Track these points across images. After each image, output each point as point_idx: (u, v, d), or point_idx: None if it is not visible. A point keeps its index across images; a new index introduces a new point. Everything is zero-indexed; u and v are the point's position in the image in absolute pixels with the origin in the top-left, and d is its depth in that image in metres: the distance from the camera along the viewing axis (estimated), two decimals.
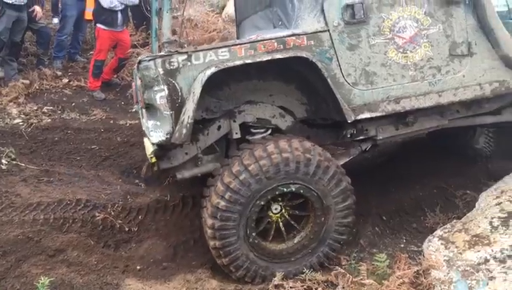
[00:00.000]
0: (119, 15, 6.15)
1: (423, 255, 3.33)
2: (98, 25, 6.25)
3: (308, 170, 3.04)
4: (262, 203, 3.07)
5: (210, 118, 3.32)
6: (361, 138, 3.48)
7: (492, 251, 3.08)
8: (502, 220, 3.34)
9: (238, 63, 2.93)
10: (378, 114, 3.25)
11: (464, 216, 3.62)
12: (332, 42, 3.13)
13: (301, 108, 3.45)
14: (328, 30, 3.13)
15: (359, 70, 3.20)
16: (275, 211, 3.20)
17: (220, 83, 3.20)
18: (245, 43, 3.03)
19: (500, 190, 3.69)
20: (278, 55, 2.96)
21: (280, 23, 3.27)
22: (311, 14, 3.12)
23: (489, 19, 3.30)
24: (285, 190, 3.07)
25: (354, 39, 3.17)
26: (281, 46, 3.04)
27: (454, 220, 3.62)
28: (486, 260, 3.03)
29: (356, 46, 3.18)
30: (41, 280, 2.92)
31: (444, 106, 3.43)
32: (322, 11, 3.12)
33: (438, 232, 3.47)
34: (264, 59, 2.94)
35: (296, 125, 3.42)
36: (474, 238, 3.25)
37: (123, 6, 6.18)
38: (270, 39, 3.04)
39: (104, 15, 6.11)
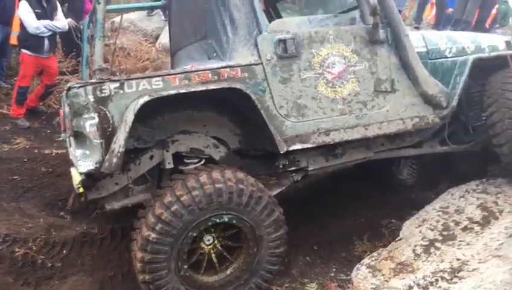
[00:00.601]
0: (46, 41, 5.97)
1: (352, 284, 3.40)
2: (23, 50, 6.01)
3: (241, 201, 3.04)
4: (194, 234, 3.02)
5: (142, 147, 3.25)
6: (293, 168, 3.56)
7: (415, 277, 3.19)
8: (424, 247, 3.49)
9: (172, 92, 2.92)
10: (309, 145, 3.34)
11: (390, 244, 3.75)
12: (265, 75, 3.21)
13: (234, 139, 3.48)
14: (262, 63, 3.21)
15: (291, 103, 3.29)
16: (207, 243, 3.16)
17: (153, 112, 3.17)
18: (179, 73, 3.03)
19: (421, 219, 3.86)
20: (212, 86, 2.99)
21: (215, 54, 3.32)
22: (245, 47, 3.20)
23: (410, 59, 3.54)
24: (218, 220, 3.05)
25: (286, 73, 3.27)
26: (216, 77, 3.08)
27: (381, 249, 3.74)
28: (410, 287, 3.14)
29: (288, 79, 3.28)
30: None
31: (370, 139, 3.59)
32: (256, 44, 3.21)
33: (366, 260, 3.57)
34: (198, 89, 2.95)
35: (229, 155, 3.43)
36: (399, 266, 3.37)
37: (50, 32, 6.00)
38: (204, 70, 3.07)
39: (29, 40, 5.90)
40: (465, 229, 3.56)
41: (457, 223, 3.64)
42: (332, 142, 3.42)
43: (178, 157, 3.33)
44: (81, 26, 4.72)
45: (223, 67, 3.11)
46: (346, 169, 4.13)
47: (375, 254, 3.64)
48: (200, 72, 3.05)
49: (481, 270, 3.04)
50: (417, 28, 9.68)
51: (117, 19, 7.67)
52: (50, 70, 6.15)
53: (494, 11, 9.64)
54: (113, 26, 8.00)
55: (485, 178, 4.11)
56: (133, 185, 3.24)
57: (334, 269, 3.79)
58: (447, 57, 3.82)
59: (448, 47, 3.84)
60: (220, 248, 3.20)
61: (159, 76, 2.99)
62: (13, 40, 6.29)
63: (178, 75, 3.01)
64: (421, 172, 4.95)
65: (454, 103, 3.68)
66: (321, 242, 4.12)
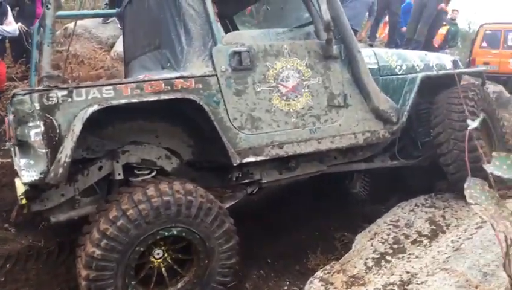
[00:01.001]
0: None
1: None
2: None
3: (189, 213, 2.98)
4: (142, 249, 2.94)
5: (91, 157, 3.16)
6: (246, 181, 3.54)
7: None
8: (375, 260, 3.53)
9: (122, 102, 2.85)
10: (262, 158, 3.34)
11: (342, 257, 3.77)
12: (219, 87, 3.20)
13: (187, 150, 3.44)
14: (216, 75, 3.19)
15: (245, 115, 3.29)
16: (156, 256, 3.08)
17: (104, 121, 3.08)
18: (131, 82, 2.97)
19: (373, 232, 3.92)
20: (165, 96, 2.94)
21: (169, 65, 3.27)
22: (199, 58, 3.18)
23: (362, 75, 3.62)
24: (166, 233, 2.97)
25: (240, 85, 3.27)
26: (169, 87, 3.03)
27: (334, 262, 3.75)
28: None
29: (242, 91, 3.28)
30: None
31: (323, 152, 3.64)
32: (211, 56, 3.19)
33: (319, 273, 3.56)
34: (150, 99, 2.90)
35: (182, 167, 3.39)
36: (351, 279, 3.38)
37: (0, 36, 5.78)
38: (157, 80, 3.02)
39: None
40: (414, 242, 3.63)
41: (407, 237, 3.71)
42: (286, 155, 3.43)
43: (129, 169, 3.25)
44: (32, 31, 4.57)
45: (176, 78, 3.07)
46: (300, 182, 4.15)
47: (328, 267, 3.65)
48: (153, 82, 2.99)
49: (429, 283, 3.08)
50: (371, 46, 9.97)
51: (71, 25, 7.49)
52: None
53: (443, 31, 10.05)
54: (66, 33, 7.81)
55: (434, 193, 4.23)
56: (80, 197, 3.13)
57: (288, 282, 3.78)
58: (397, 74, 3.94)
59: (399, 64, 3.96)
60: (170, 261, 3.12)
61: (110, 85, 2.92)
62: None
63: (130, 84, 2.95)
64: (373, 186, 5.05)
65: (403, 118, 3.79)
66: (275, 255, 4.11)
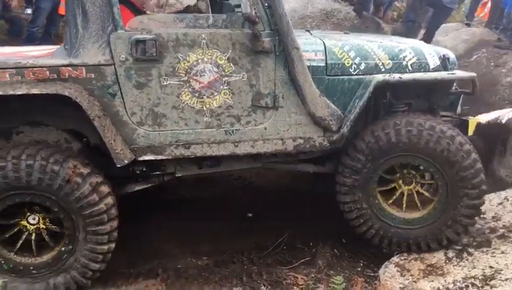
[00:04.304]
0: None
1: (379, 281, 3.33)
2: None
3: (53, 183, 2.85)
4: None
5: None
6: (157, 173, 3.34)
7: (445, 281, 3.16)
8: (456, 251, 3.42)
9: None
10: (163, 157, 3.11)
11: None
12: (117, 78, 2.92)
13: (95, 134, 3.25)
14: (114, 64, 2.90)
15: (146, 110, 3.01)
16: (32, 221, 3.01)
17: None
18: (11, 68, 2.77)
19: None
20: (35, 90, 2.71)
21: (66, 47, 3.01)
22: (95, 45, 2.87)
23: (297, 75, 3.13)
24: (18, 200, 2.88)
25: (142, 77, 2.96)
26: (54, 75, 2.81)
27: None
28: None
29: (145, 84, 2.97)
30: None
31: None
32: (109, 43, 2.88)
33: (395, 259, 3.48)
34: (18, 93, 2.69)
35: (84, 151, 3.21)
36: (428, 268, 3.33)
37: None
38: (41, 66, 2.80)
39: None
40: (501, 237, 3.50)
41: (493, 230, 3.58)
42: (193, 156, 3.16)
43: None
44: None
45: (64, 65, 2.83)
46: None
47: (405, 253, 3.54)
48: (36, 69, 2.78)
49: None
50: (468, 25, 8.87)
51: None
52: None
53: None
54: (158, 2, 7.44)
55: None
56: None
57: (362, 264, 3.68)
58: (350, 74, 3.33)
59: (355, 63, 3.33)
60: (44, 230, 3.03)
61: None
62: (62, 10, 6.18)
63: (9, 70, 2.76)
64: None
65: (345, 128, 3.29)
66: (351, 236, 3.92)
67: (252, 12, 2.85)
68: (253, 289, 3.28)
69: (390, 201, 3.50)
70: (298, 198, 4.37)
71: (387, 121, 3.36)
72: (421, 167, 3.43)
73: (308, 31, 3.68)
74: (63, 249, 3.02)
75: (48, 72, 2.80)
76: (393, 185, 3.51)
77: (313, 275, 3.43)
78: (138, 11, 3.39)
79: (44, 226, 3.03)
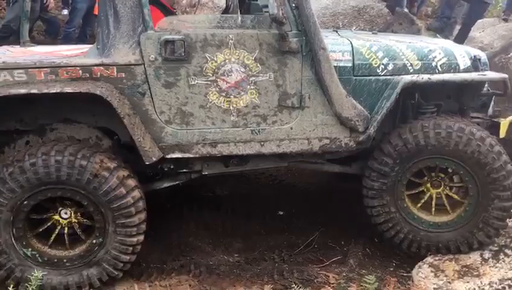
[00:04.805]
0: None
1: (412, 281, 3.34)
2: None
3: (82, 177, 2.94)
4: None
5: (24, 129, 3.21)
6: (184, 171, 3.40)
7: (481, 283, 3.15)
8: (493, 253, 3.39)
9: (22, 92, 2.78)
10: (190, 155, 3.17)
11: None
12: (146, 77, 2.99)
13: (125, 131, 3.34)
14: (144, 64, 2.97)
15: (174, 109, 3.07)
16: (64, 216, 3.11)
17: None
18: (46, 67, 2.88)
19: None
20: (68, 89, 2.81)
21: (98, 47, 3.09)
22: (126, 45, 2.95)
23: (324, 75, 3.13)
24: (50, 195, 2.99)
25: (171, 76, 3.02)
26: (87, 74, 2.91)
27: None
28: None
29: (173, 84, 3.03)
30: None
31: None
32: (139, 43, 2.95)
33: (429, 259, 3.47)
34: (52, 91, 2.79)
35: (115, 148, 3.30)
36: (464, 269, 3.32)
37: None
38: (74, 66, 2.90)
39: None
40: None
41: None
42: (219, 155, 3.21)
43: None
44: None
45: (96, 65, 2.92)
46: None
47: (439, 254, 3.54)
48: (69, 68, 2.88)
49: None
50: (505, 20, 8.61)
51: None
52: None
53: None
54: (191, 2, 7.51)
55: None
56: None
57: (394, 264, 3.69)
58: (378, 75, 3.30)
59: (383, 63, 3.30)
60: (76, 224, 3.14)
61: (22, 68, 2.86)
62: (97, 11, 6.32)
63: (44, 69, 2.87)
64: None
65: (371, 129, 3.28)
66: (382, 235, 3.92)
67: (279, 13, 2.86)
68: (284, 286, 3.29)
69: (419, 205, 3.47)
70: (329, 196, 4.38)
71: (415, 123, 3.33)
72: (449, 170, 3.39)
73: (336, 31, 3.66)
74: (94, 241, 3.12)
75: (80, 71, 2.90)
76: (421, 189, 3.48)
77: (345, 274, 3.42)
78: (169, 11, 3.45)
79: (76, 220, 3.13)
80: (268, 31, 3.08)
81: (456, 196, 3.45)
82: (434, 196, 3.46)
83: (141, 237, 3.16)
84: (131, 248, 3.13)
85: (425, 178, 3.45)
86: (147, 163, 3.05)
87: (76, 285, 3.10)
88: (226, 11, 4.06)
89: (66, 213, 3.11)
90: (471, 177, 3.32)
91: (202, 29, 3.05)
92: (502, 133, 3.65)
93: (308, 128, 3.25)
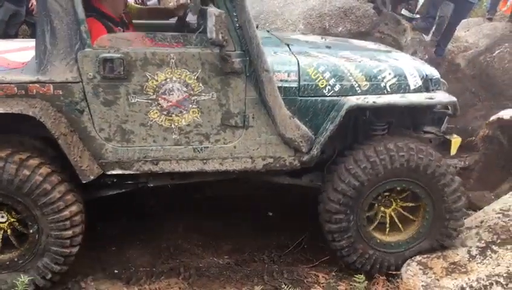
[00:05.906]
0: None
1: (401, 279, 3.37)
2: None
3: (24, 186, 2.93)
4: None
5: None
6: (129, 182, 3.38)
7: (468, 279, 3.18)
8: (480, 249, 3.42)
9: None
10: (131, 172, 3.16)
11: None
12: (85, 95, 2.95)
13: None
14: (82, 81, 2.93)
15: (114, 127, 3.05)
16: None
17: None
18: None
19: (480, 219, 3.73)
20: (0, 109, 2.78)
21: (36, 62, 3.04)
22: (63, 62, 2.90)
23: (268, 96, 3.10)
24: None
25: (110, 95, 2.99)
26: (23, 91, 2.87)
27: None
28: (463, 288, 3.14)
29: (113, 102, 3.00)
30: None
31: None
32: (76, 60, 2.91)
33: (417, 257, 3.51)
34: None
35: (56, 159, 3.26)
36: (451, 266, 3.34)
37: None
38: (9, 83, 2.86)
39: None
40: None
41: None
42: (161, 172, 3.20)
43: None
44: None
45: (32, 82, 2.87)
46: None
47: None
48: (3, 85, 2.85)
49: None
50: (490, 20, 8.50)
51: None
52: None
53: None
54: None
55: None
56: None
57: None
58: (324, 96, 3.25)
59: (330, 84, 3.25)
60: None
61: None
62: None
63: None
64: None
65: (315, 151, 3.26)
66: None
67: (219, 37, 2.80)
68: (275, 287, 3.33)
69: (373, 226, 3.49)
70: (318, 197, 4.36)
71: (379, 145, 3.34)
72: (398, 188, 3.40)
73: (288, 45, 3.57)
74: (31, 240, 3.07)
75: (15, 88, 2.86)
76: (376, 210, 3.49)
77: (334, 274, 3.46)
78: (113, 21, 3.37)
79: (14, 219, 3.10)
80: (212, 50, 3.02)
81: (408, 215, 3.49)
82: (387, 215, 3.49)
83: (77, 229, 3.11)
84: (68, 242, 3.09)
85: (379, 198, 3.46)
86: (84, 182, 3.04)
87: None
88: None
89: (2, 217, 3.09)
90: (427, 195, 3.39)
91: (142, 47, 3.00)
92: (453, 151, 3.64)
93: (252, 147, 3.23)
